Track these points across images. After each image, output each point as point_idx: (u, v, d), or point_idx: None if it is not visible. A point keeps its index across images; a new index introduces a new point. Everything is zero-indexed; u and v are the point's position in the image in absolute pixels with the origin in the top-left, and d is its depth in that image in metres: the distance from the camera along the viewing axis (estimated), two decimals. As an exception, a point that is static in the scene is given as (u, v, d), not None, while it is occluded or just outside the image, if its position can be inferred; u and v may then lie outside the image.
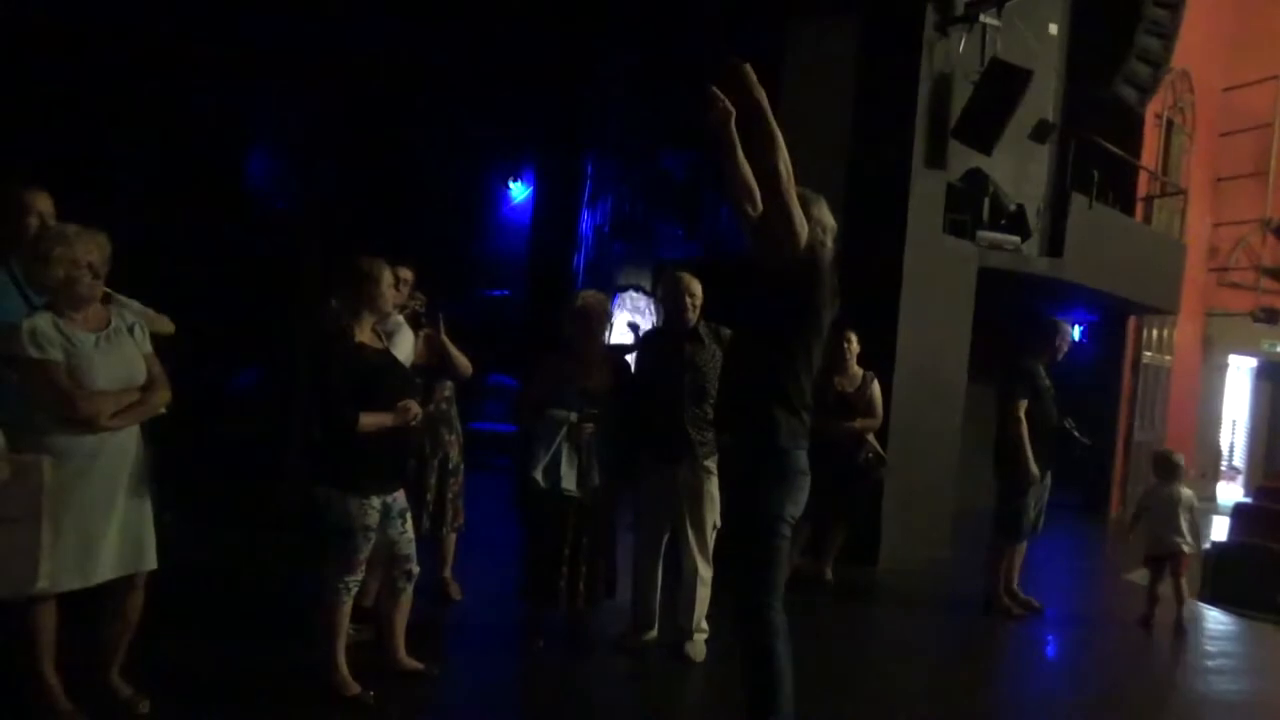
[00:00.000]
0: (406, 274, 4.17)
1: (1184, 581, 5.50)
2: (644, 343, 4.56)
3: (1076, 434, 5.77)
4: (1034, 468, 5.25)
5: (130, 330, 3.07)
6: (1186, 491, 5.45)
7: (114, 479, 2.95)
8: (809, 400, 2.98)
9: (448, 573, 4.74)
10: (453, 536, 4.64)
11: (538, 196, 11.04)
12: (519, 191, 11.42)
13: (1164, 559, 5.43)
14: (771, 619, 2.90)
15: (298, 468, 5.89)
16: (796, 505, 2.95)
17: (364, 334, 3.44)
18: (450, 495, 4.47)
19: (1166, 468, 5.57)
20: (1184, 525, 5.35)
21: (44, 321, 2.84)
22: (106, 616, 3.09)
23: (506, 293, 11.05)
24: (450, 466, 4.46)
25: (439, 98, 9.66)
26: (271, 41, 8.00)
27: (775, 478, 2.90)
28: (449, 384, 4.47)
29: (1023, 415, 5.24)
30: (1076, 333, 10.69)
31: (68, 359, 2.84)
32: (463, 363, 4.32)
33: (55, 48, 7.30)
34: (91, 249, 2.90)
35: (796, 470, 2.93)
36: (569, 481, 3.89)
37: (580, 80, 9.49)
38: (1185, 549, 5.37)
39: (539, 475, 3.89)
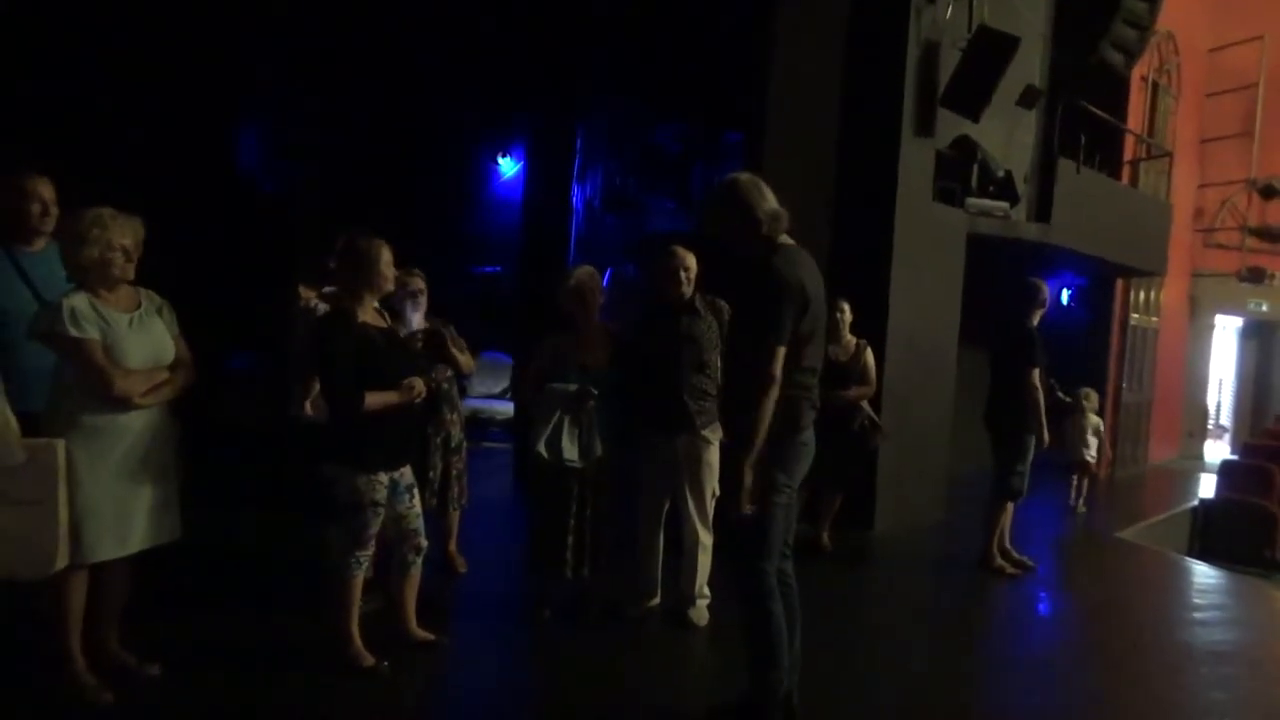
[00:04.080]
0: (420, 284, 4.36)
1: (1087, 483, 8.11)
2: (638, 316, 4.59)
3: (1059, 393, 5.98)
4: (1047, 434, 5.37)
5: (159, 312, 3.16)
6: (1094, 418, 8.04)
7: (146, 453, 3.05)
8: (815, 371, 3.00)
9: (453, 547, 4.83)
10: (456, 513, 4.72)
11: (528, 171, 10.99)
12: (509, 167, 11.38)
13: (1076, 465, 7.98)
14: (766, 580, 2.96)
15: (297, 448, 5.94)
16: (792, 473, 2.98)
17: (366, 314, 3.48)
18: (454, 473, 4.55)
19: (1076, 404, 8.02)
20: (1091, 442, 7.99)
21: (81, 301, 2.92)
22: (105, 589, 3.15)
23: (499, 269, 11.04)
24: (453, 444, 4.53)
25: (426, 74, 9.59)
26: (260, 24, 7.95)
27: (776, 449, 2.91)
28: (449, 364, 4.53)
29: (1038, 382, 5.32)
30: (1065, 296, 10.78)
31: (103, 338, 2.92)
32: (467, 364, 4.44)
33: (45, 33, 7.24)
34: (126, 232, 3.01)
35: (799, 442, 2.98)
36: (571, 452, 3.96)
37: (569, 52, 9.43)
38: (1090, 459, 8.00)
39: (542, 448, 3.96)
